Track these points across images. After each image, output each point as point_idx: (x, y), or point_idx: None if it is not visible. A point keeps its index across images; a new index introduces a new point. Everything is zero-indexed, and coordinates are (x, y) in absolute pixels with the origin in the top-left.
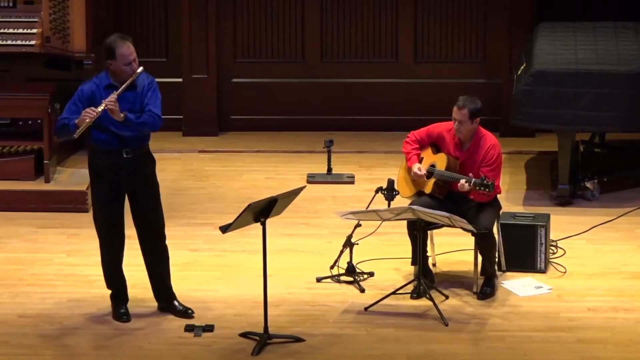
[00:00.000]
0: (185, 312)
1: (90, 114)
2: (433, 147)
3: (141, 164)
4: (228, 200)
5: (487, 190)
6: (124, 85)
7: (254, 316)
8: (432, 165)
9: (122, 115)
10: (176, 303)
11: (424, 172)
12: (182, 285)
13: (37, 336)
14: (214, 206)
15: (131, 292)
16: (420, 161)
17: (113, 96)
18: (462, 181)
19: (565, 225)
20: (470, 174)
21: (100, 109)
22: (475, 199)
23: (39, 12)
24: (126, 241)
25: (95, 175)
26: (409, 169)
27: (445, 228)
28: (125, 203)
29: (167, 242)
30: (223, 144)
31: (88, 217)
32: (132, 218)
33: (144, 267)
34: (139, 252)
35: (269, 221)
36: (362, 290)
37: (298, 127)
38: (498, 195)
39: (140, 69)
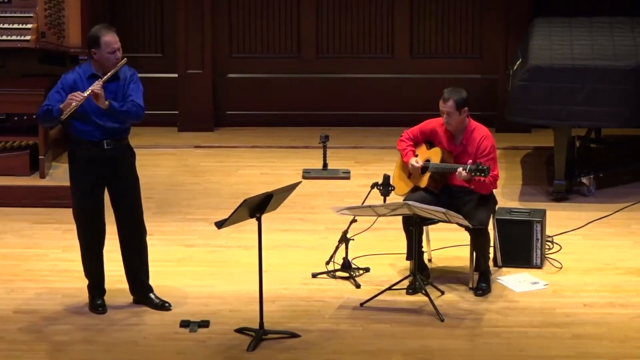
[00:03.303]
0: (162, 306)
1: (76, 98)
2: (427, 143)
3: (121, 156)
4: (223, 196)
5: (483, 175)
6: (109, 74)
7: (249, 312)
8: (427, 160)
9: (107, 102)
10: (152, 296)
11: (421, 163)
12: (177, 281)
13: (32, 332)
14: (209, 202)
15: (123, 287)
16: (415, 157)
17: (99, 82)
18: (460, 169)
19: (561, 221)
20: (470, 161)
21: (86, 93)
22: (476, 189)
23: (34, 7)
24: (111, 236)
25: (76, 167)
26: (404, 165)
27: (440, 223)
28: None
29: (150, 236)
30: (218, 139)
31: None
32: (112, 212)
33: None
34: None
35: (264, 217)
36: (358, 286)
37: (294, 123)
38: (494, 190)
39: (124, 60)
